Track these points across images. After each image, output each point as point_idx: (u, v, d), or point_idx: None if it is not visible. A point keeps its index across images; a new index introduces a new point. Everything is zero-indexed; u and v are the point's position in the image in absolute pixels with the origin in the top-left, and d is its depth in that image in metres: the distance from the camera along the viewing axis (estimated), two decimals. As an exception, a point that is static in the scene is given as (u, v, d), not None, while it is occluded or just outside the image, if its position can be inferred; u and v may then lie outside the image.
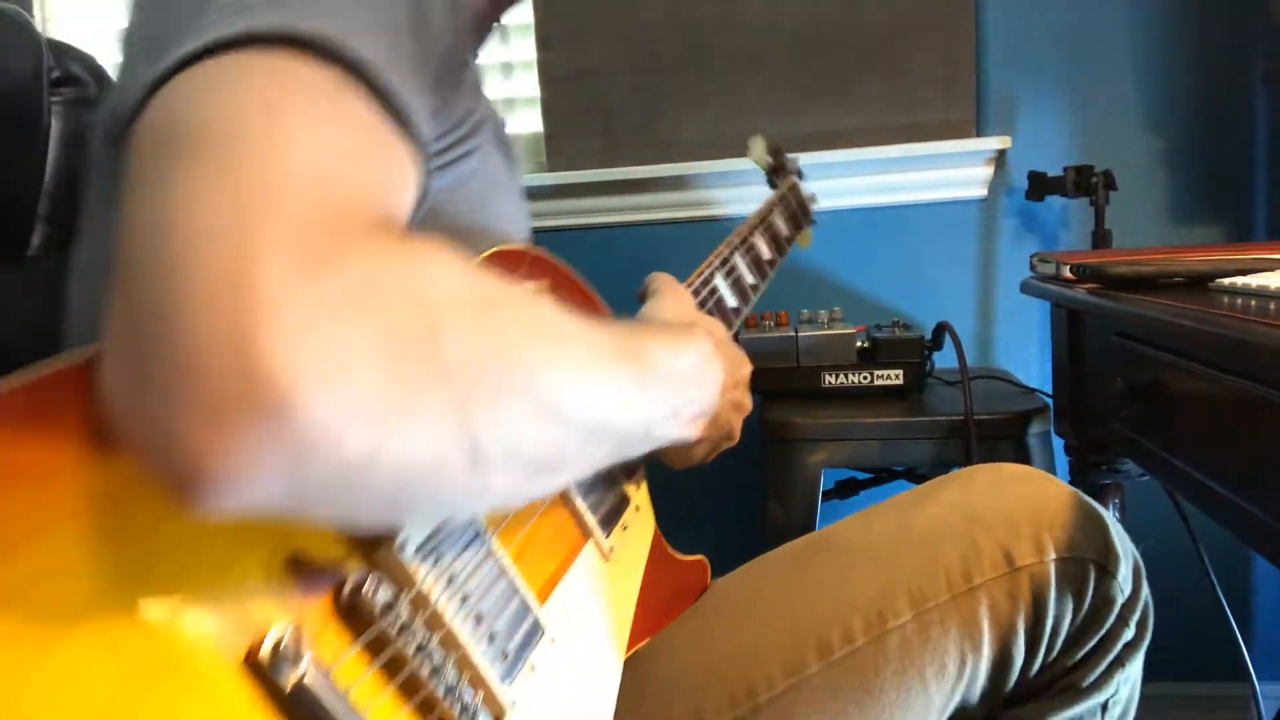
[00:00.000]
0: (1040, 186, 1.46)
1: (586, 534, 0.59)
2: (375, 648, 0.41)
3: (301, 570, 0.39)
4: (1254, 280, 0.71)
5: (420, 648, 0.42)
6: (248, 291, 0.29)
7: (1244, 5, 1.44)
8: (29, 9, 1.69)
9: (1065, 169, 1.43)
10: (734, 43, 1.56)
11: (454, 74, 0.50)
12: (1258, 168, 1.47)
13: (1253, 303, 0.67)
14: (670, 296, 0.74)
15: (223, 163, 0.32)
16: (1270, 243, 1.31)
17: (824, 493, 1.28)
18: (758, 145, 1.24)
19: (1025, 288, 1.07)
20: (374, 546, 0.42)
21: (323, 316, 0.30)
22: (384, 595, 0.41)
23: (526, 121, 1.68)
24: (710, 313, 0.84)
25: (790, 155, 1.30)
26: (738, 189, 1.57)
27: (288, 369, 0.29)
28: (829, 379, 1.31)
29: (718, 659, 0.68)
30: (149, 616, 0.33)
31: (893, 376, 1.30)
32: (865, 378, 1.31)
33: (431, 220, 0.54)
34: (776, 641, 0.67)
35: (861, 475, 1.45)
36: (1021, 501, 0.70)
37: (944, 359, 1.34)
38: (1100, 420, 0.97)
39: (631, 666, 0.65)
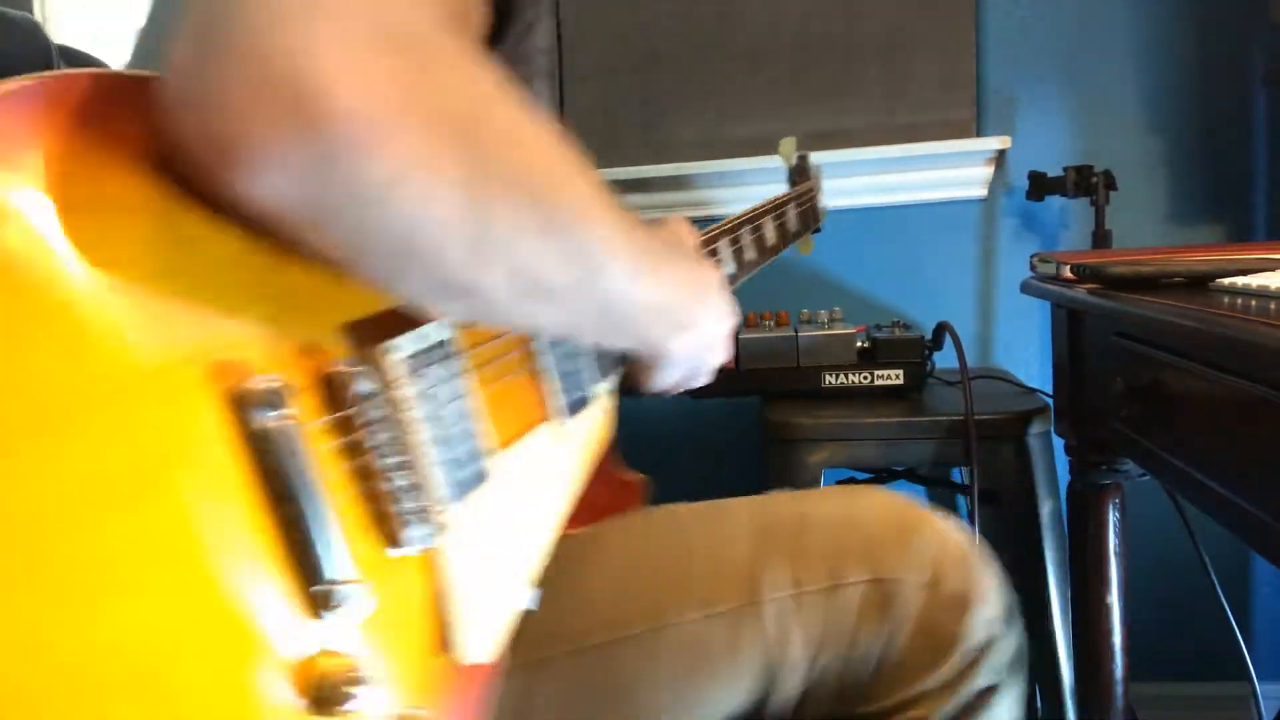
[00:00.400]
0: (1040, 186, 1.46)
1: (546, 413, 0.61)
2: (343, 428, 0.42)
3: (306, 335, 0.42)
4: (1254, 280, 0.71)
5: (384, 443, 0.44)
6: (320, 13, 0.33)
7: (1244, 5, 1.44)
8: (30, 10, 1.69)
9: (1065, 169, 1.43)
10: (734, 43, 1.56)
11: None
12: (1258, 168, 1.47)
13: (1253, 303, 0.67)
14: (684, 230, 0.75)
15: None
16: (1270, 243, 1.31)
17: (824, 493, 1.28)
18: (788, 144, 1.24)
19: (1025, 288, 1.07)
20: (370, 341, 0.44)
21: (382, 52, 0.34)
22: (366, 385, 0.43)
23: (526, 121, 1.68)
24: None
25: (815, 163, 1.30)
26: (737, 189, 1.57)
27: (339, 81, 0.33)
28: (829, 379, 1.31)
29: (615, 581, 0.68)
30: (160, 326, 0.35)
31: (893, 376, 1.30)
32: (865, 378, 1.31)
33: None
34: (669, 580, 0.67)
35: (862, 475, 1.45)
36: (902, 515, 0.71)
37: (944, 359, 1.34)
38: (1100, 420, 0.97)
39: (565, 546, 0.65)
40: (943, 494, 1.63)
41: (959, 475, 1.52)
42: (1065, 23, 1.50)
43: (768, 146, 1.56)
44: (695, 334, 0.60)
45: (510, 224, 0.39)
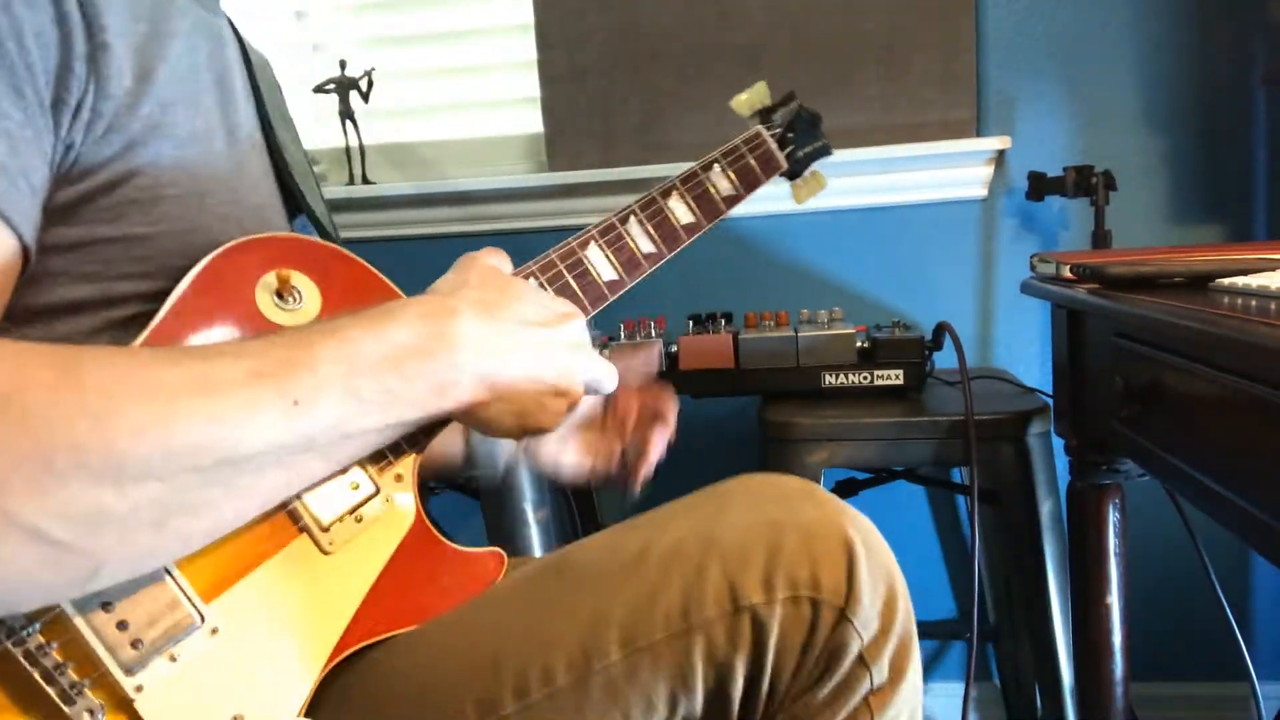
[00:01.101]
0: (1040, 186, 1.46)
1: (299, 526, 0.57)
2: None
3: None
4: (1254, 280, 0.71)
5: (21, 641, 0.45)
6: None
7: (1244, 5, 1.44)
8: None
9: (1065, 169, 1.43)
10: (734, 43, 1.56)
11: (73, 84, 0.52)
12: (1258, 168, 1.47)
13: (1253, 303, 0.67)
14: (456, 270, 0.67)
15: None
16: (1270, 243, 1.31)
17: (824, 493, 1.28)
18: (754, 93, 1.09)
19: (1025, 288, 1.07)
20: None
21: None
22: None
23: (526, 121, 1.68)
24: (566, 287, 0.78)
25: (795, 104, 1.12)
26: (738, 189, 1.57)
27: None
28: (829, 379, 1.31)
29: (422, 683, 0.62)
30: None
31: (893, 376, 1.30)
32: (865, 378, 1.31)
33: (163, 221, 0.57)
34: (476, 676, 0.61)
35: (861, 475, 1.45)
36: (766, 526, 0.62)
37: (944, 359, 1.34)
38: (1100, 420, 0.97)
39: (359, 659, 0.61)
40: (943, 494, 1.64)
41: (959, 475, 1.52)
42: (1065, 23, 1.50)
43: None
44: (466, 375, 0.56)
45: (67, 505, 0.41)
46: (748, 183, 1.02)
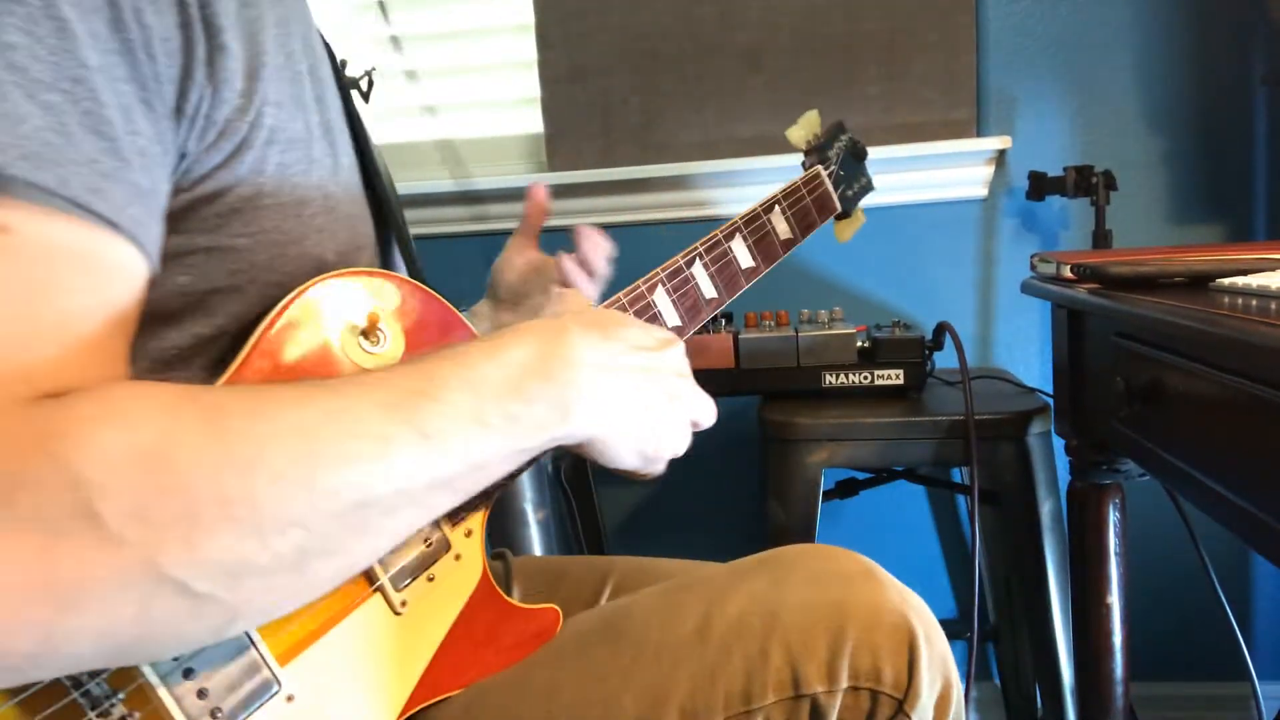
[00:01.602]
0: (1040, 186, 1.46)
1: (373, 586, 0.57)
2: (47, 698, 0.42)
3: None
4: (1254, 280, 0.71)
5: (98, 702, 0.44)
6: None
7: (1244, 5, 1.44)
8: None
9: (1065, 169, 1.43)
10: (734, 43, 1.56)
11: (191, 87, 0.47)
12: (1258, 168, 1.47)
13: (1253, 303, 0.67)
14: (557, 302, 0.68)
15: None
16: (1270, 243, 1.31)
17: (824, 493, 1.28)
18: (806, 122, 1.08)
19: (1025, 288, 1.07)
20: None
21: None
22: None
23: (526, 121, 1.68)
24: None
25: (845, 138, 1.13)
26: (737, 189, 1.57)
27: None
28: (829, 379, 1.31)
29: None
30: None
31: (893, 376, 1.30)
32: (865, 378, 1.31)
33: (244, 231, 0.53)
34: None
35: (861, 475, 1.45)
36: (828, 608, 0.62)
37: (944, 359, 1.34)
38: (1100, 420, 0.97)
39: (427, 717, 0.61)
40: (943, 494, 1.64)
41: (959, 475, 1.52)
42: (1065, 23, 1.50)
43: (768, 146, 1.57)
44: (588, 402, 0.54)
45: (216, 553, 0.39)
46: (804, 226, 1.01)
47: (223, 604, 0.40)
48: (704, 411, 0.65)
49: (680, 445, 0.63)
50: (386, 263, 0.71)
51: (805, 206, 1.01)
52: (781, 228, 0.97)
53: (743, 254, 0.92)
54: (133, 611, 0.37)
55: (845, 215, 1.12)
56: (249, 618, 0.43)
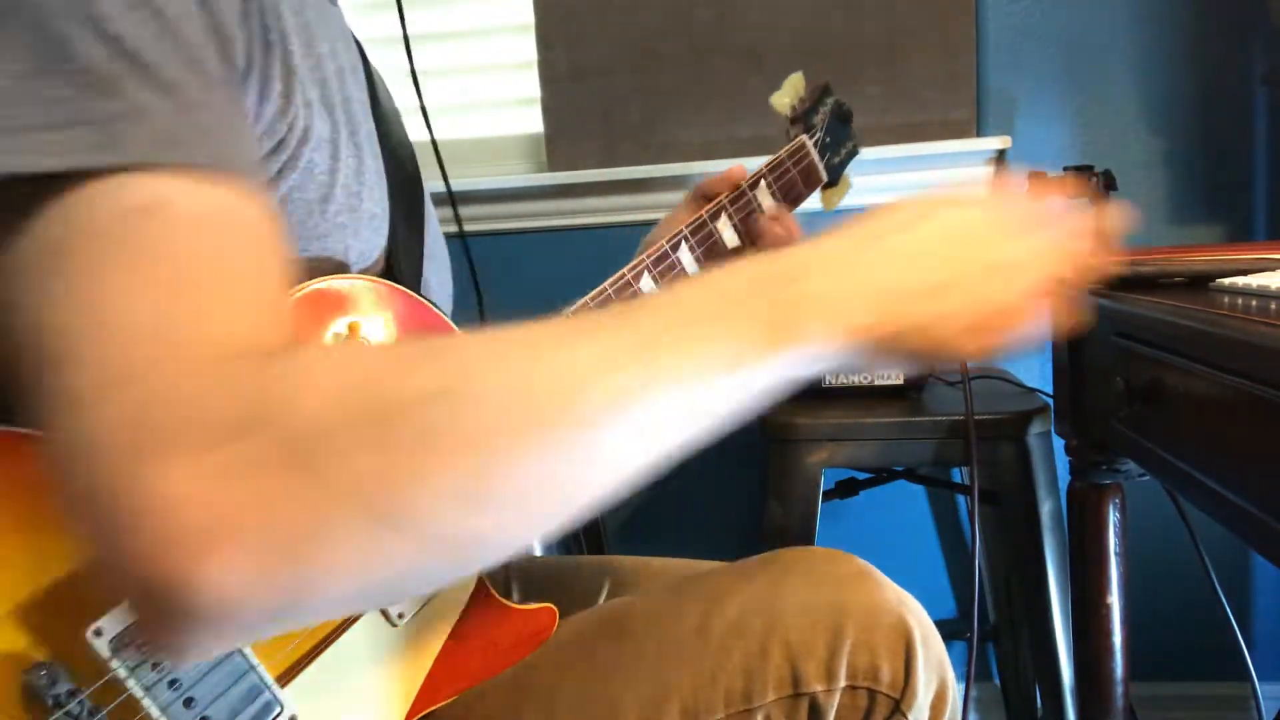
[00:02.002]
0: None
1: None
2: None
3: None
4: (1254, 280, 0.71)
5: None
6: (117, 502, 0.32)
7: (1244, 5, 1.44)
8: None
9: (1065, 169, 1.43)
10: (734, 43, 1.56)
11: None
12: (1258, 168, 1.47)
13: (1253, 303, 0.67)
14: None
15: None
16: (1270, 243, 1.31)
17: (824, 493, 1.28)
18: (790, 85, 1.03)
19: (1025, 288, 1.06)
20: (65, 636, 0.42)
21: (190, 504, 0.32)
22: (61, 687, 0.41)
23: (526, 121, 1.68)
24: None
25: (830, 100, 1.07)
26: (738, 189, 1.57)
27: (175, 570, 0.32)
28: (829, 379, 1.31)
29: None
30: None
31: (893, 376, 1.30)
32: (865, 378, 1.31)
33: None
34: None
35: (861, 475, 1.45)
36: (827, 610, 0.62)
37: (944, 359, 1.34)
38: (1100, 420, 0.97)
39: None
40: (943, 494, 1.64)
41: (959, 475, 1.52)
42: (1065, 23, 1.50)
43: (768, 146, 1.56)
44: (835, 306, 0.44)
45: (440, 507, 0.36)
46: (791, 200, 0.97)
47: (457, 542, 0.38)
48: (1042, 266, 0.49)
49: (984, 344, 0.48)
50: (416, 265, 0.71)
51: (791, 179, 0.97)
52: (768, 204, 0.94)
53: (729, 234, 0.90)
54: (368, 555, 0.36)
55: (832, 184, 1.07)
56: (484, 555, 0.41)
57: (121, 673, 0.43)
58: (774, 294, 0.43)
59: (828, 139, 1.04)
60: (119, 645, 0.43)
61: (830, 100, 1.07)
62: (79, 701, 0.42)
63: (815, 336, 0.43)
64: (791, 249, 0.46)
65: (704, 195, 0.93)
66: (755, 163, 1.56)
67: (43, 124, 0.36)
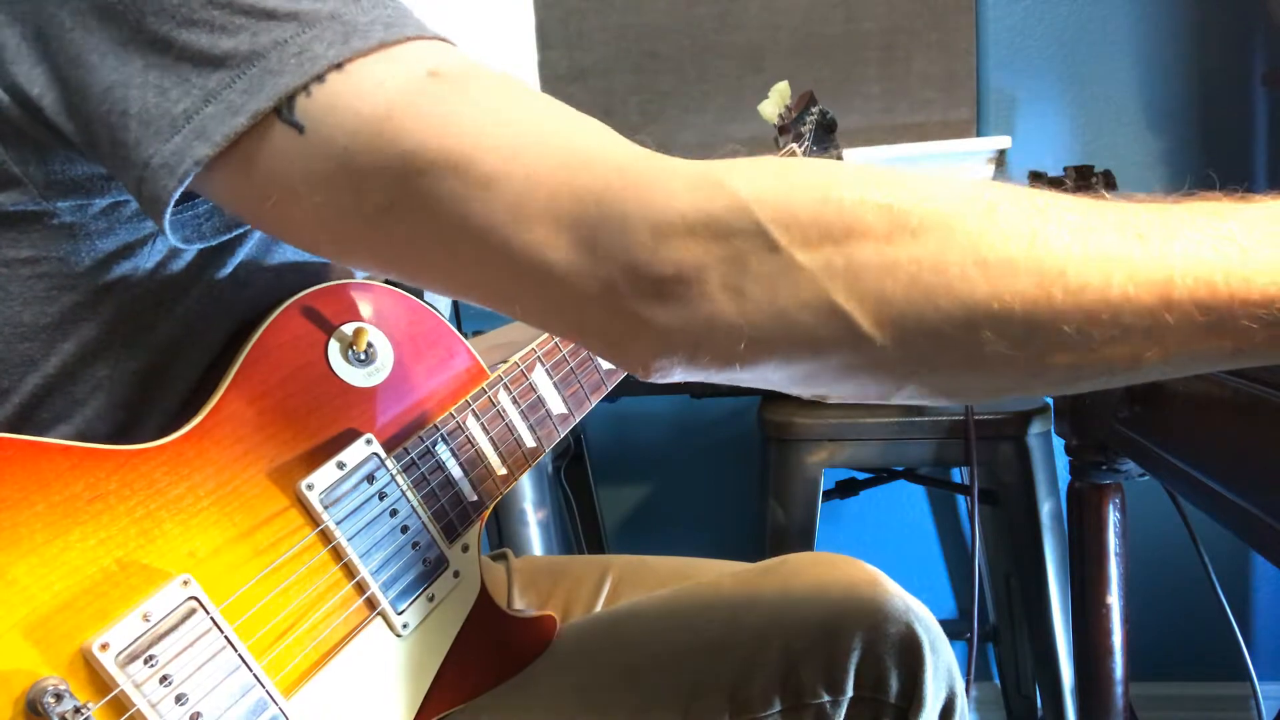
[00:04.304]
0: (1040, 186, 1.46)
1: (374, 609, 0.56)
2: None
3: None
4: (1254, 281, 0.71)
5: None
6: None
7: (1244, 5, 1.44)
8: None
9: (1065, 169, 1.43)
10: (734, 43, 1.56)
11: None
12: (1258, 168, 1.47)
13: (1253, 303, 0.67)
14: None
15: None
16: (1270, 242, 1.31)
17: (824, 493, 1.28)
18: (777, 93, 1.06)
19: (1025, 288, 1.06)
20: (69, 652, 0.42)
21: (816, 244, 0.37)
22: (66, 705, 0.40)
23: (526, 121, 1.68)
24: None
25: (816, 110, 1.10)
26: (738, 189, 1.57)
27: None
28: (829, 379, 1.31)
29: None
30: None
31: (893, 376, 1.30)
32: (865, 378, 1.31)
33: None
34: None
35: (861, 475, 1.45)
36: (834, 619, 0.61)
37: (944, 359, 1.34)
38: (1100, 420, 0.97)
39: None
40: (943, 494, 1.64)
41: (959, 475, 1.52)
42: (1065, 23, 1.50)
43: (767, 146, 1.56)
44: None
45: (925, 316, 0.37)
46: None
47: (891, 356, 0.38)
48: None
49: None
50: None
51: None
52: None
53: None
54: (802, 334, 0.38)
55: None
56: (920, 384, 0.40)
57: (128, 688, 0.43)
58: None
59: (815, 147, 1.07)
60: (126, 660, 0.43)
61: (816, 109, 1.10)
62: (85, 719, 0.41)
63: None
64: None
65: None
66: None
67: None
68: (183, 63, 0.40)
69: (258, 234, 0.53)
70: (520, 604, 0.83)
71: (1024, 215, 0.37)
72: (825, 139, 1.10)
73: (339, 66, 0.40)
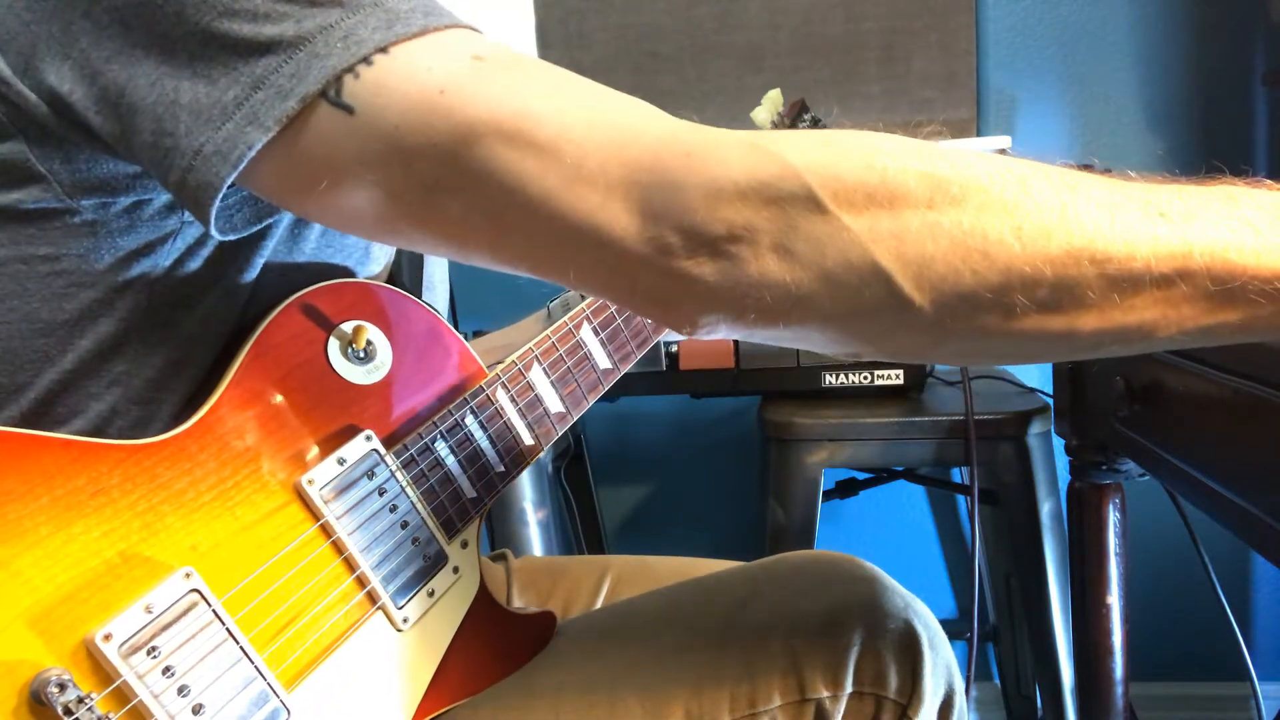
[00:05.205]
0: (1040, 187, 1.46)
1: (375, 604, 0.56)
2: None
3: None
4: (1254, 280, 0.71)
5: None
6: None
7: (1244, 5, 1.44)
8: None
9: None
10: (734, 43, 1.56)
11: None
12: (1258, 168, 1.47)
13: (1253, 302, 0.67)
14: None
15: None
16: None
17: (824, 493, 1.28)
18: (769, 101, 1.08)
19: (1025, 288, 1.06)
20: (72, 643, 0.42)
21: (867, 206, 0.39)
22: (70, 694, 0.41)
23: (527, 121, 1.68)
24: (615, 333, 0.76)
25: (808, 117, 1.12)
26: (738, 189, 1.57)
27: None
28: (829, 379, 1.31)
29: None
30: None
31: (893, 376, 1.30)
32: (865, 378, 1.31)
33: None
34: None
35: (861, 475, 1.45)
36: (835, 615, 0.62)
37: (944, 359, 1.34)
38: (1100, 420, 0.97)
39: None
40: (943, 494, 1.64)
41: (959, 475, 1.52)
42: (1065, 23, 1.50)
43: (768, 146, 1.57)
44: None
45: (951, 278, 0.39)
46: None
47: (928, 318, 0.40)
48: None
49: None
50: (417, 261, 0.72)
51: None
52: None
53: None
54: (846, 294, 0.39)
55: None
56: (955, 344, 0.42)
57: (131, 680, 0.43)
58: None
59: None
60: (129, 651, 0.43)
61: (809, 116, 1.11)
62: (88, 709, 0.41)
63: None
64: None
65: None
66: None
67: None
68: (228, 51, 0.41)
69: (280, 234, 0.53)
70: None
71: (1055, 189, 0.40)
72: None
73: (384, 50, 0.41)
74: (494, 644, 0.65)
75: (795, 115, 1.10)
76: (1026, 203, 0.39)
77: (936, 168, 0.39)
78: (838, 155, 0.40)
